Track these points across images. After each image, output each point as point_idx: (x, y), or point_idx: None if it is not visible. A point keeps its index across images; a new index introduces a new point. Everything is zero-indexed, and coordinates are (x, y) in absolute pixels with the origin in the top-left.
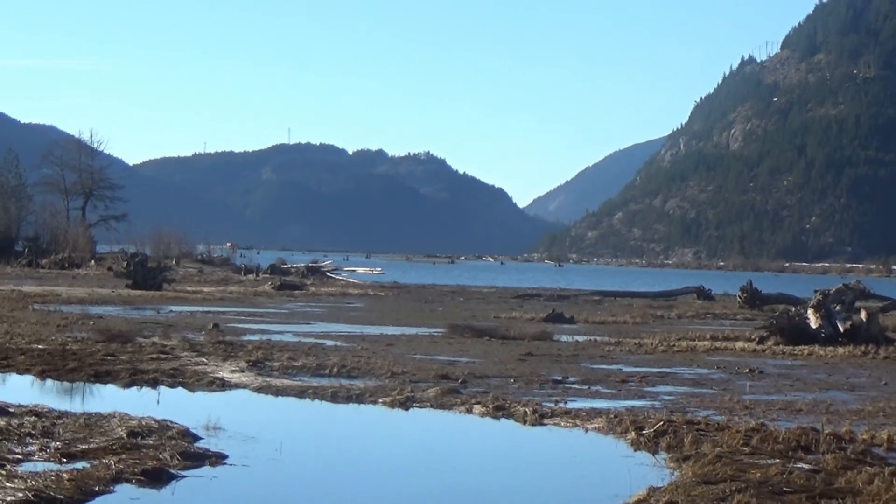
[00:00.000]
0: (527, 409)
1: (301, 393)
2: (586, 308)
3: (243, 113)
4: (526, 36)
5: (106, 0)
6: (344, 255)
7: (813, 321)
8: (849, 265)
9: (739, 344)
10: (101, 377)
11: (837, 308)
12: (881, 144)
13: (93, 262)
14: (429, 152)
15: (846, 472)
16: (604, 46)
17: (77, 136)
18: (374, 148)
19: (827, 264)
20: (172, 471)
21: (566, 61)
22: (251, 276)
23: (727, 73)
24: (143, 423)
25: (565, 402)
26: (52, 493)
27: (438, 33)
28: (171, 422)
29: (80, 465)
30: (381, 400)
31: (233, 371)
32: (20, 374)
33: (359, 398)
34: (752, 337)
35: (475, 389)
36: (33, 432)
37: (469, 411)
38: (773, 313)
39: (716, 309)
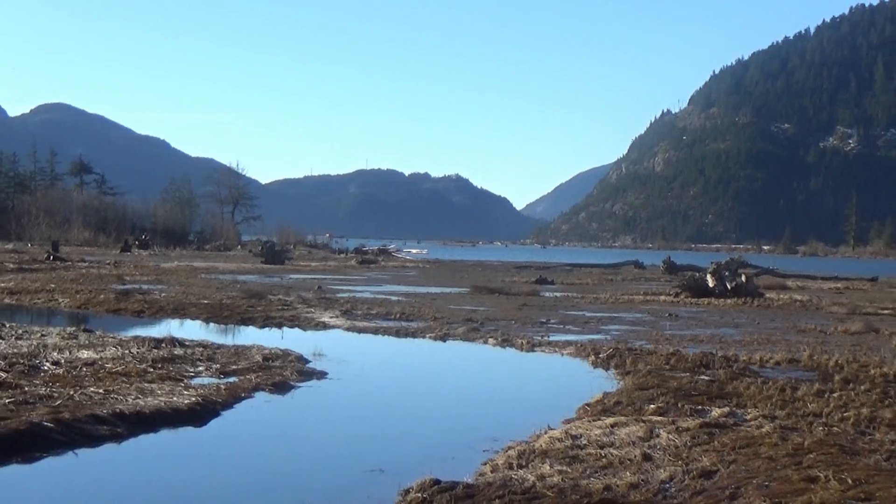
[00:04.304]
0: (523, 341)
1: (376, 331)
2: (562, 274)
3: (336, 147)
4: (524, 89)
5: (248, 72)
6: (403, 241)
7: (710, 282)
8: (733, 246)
9: (662, 297)
10: (245, 321)
11: (727, 273)
12: (753, 167)
13: (239, 247)
14: (458, 174)
15: (733, 381)
16: (572, 101)
17: (228, 164)
18: (422, 171)
19: (719, 245)
20: (292, 383)
21: (548, 111)
22: (342, 256)
23: (653, 120)
24: (273, 351)
25: (548, 336)
26: (213, 398)
27: (469, 90)
28: (291, 351)
29: (231, 379)
30: (427, 335)
31: (331, 317)
32: (192, 319)
33: (413, 334)
34: (671, 293)
35: (489, 328)
36: (201, 358)
37: (485, 342)
38: (684, 277)
39: (646, 275)
